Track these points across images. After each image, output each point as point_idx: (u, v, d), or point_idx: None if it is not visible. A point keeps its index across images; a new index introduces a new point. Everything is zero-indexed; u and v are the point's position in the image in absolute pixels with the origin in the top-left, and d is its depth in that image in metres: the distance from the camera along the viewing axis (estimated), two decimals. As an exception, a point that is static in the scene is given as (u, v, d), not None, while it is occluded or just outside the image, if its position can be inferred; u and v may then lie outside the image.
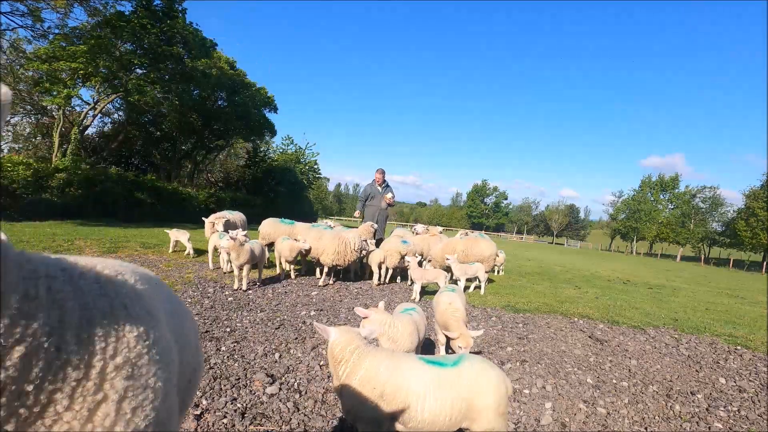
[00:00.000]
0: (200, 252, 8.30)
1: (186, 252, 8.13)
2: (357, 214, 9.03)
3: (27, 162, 12.71)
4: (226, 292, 5.66)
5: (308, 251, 6.87)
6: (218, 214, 7.96)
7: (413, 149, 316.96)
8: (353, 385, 1.97)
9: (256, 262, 6.16)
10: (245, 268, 5.84)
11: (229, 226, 7.52)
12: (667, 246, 58.21)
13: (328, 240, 6.85)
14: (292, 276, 7.25)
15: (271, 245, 7.61)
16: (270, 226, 7.73)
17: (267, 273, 7.18)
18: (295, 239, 6.94)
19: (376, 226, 7.74)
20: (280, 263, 7.11)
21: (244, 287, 5.85)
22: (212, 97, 24.32)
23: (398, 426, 2.05)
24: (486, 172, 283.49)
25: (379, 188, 8.80)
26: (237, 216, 8.36)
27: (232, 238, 5.65)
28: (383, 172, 8.84)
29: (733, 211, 50.77)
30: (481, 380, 2.07)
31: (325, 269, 6.88)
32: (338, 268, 6.99)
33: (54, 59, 13.53)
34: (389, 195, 8.78)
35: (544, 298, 7.48)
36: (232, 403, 2.73)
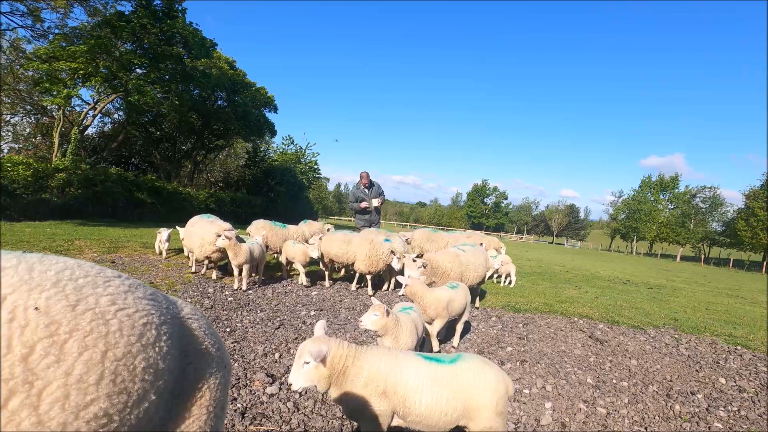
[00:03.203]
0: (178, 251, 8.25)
1: (159, 251, 7.95)
2: (364, 204, 8.59)
3: (27, 162, 12.70)
4: (226, 292, 5.65)
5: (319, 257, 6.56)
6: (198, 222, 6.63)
7: (413, 149, 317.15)
8: (358, 387, 1.98)
9: (255, 263, 6.14)
10: (245, 269, 5.82)
11: None
12: (667, 246, 58.17)
13: (358, 244, 6.34)
14: (305, 282, 6.74)
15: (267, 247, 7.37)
16: (273, 232, 7.54)
17: (267, 273, 7.16)
18: (306, 241, 6.80)
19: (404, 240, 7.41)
20: (285, 265, 7.02)
21: (244, 287, 5.85)
22: (212, 97, 24.33)
23: (398, 421, 2.06)
24: (486, 172, 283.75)
25: (366, 191, 8.76)
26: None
27: (227, 237, 5.61)
28: (367, 175, 8.73)
29: (733, 211, 50.77)
30: (478, 379, 2.08)
31: (368, 278, 6.47)
32: (370, 274, 6.47)
33: (54, 59, 13.53)
34: (375, 202, 8.58)
35: (544, 298, 7.47)
36: (232, 403, 2.73)
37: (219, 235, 5.92)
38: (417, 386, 2.01)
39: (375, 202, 8.55)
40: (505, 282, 8.73)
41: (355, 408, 2.00)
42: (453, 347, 4.30)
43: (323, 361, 1.95)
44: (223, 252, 5.96)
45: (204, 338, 1.18)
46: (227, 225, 6.19)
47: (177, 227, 7.36)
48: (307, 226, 8.83)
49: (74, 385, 0.77)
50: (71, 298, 0.84)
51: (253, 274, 6.35)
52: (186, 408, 1.09)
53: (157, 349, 0.93)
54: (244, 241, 6.00)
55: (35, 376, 0.73)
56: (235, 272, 5.93)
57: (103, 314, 0.86)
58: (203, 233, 6.10)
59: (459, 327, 4.30)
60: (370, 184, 8.76)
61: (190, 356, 1.10)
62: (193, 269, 6.84)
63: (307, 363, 1.93)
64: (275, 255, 7.98)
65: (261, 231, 7.35)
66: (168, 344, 0.98)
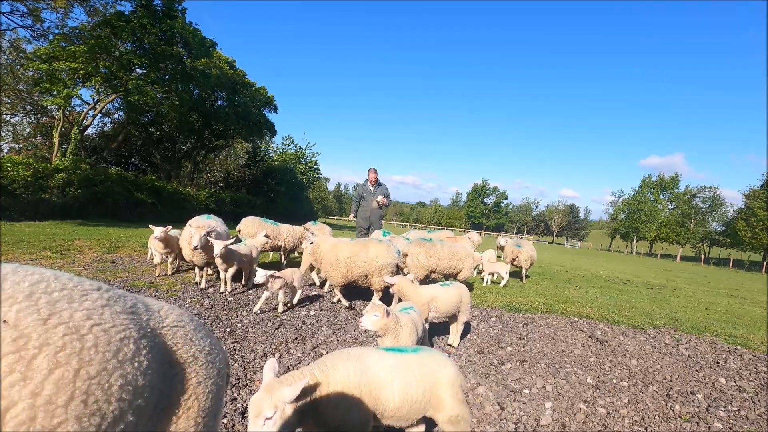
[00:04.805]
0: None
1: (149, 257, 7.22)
2: (351, 216, 8.66)
3: (27, 162, 12.70)
4: (227, 292, 5.65)
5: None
6: (200, 222, 6.18)
7: (413, 149, 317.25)
8: (333, 401, 1.92)
9: (245, 263, 5.93)
10: (230, 271, 5.63)
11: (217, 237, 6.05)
12: (667, 246, 58.17)
13: (465, 255, 5.88)
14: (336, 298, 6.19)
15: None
16: (264, 229, 7.45)
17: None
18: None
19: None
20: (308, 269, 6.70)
21: (229, 288, 5.66)
22: (212, 97, 24.33)
23: (377, 421, 2.05)
24: (486, 172, 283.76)
25: (371, 188, 8.59)
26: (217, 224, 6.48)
27: (226, 246, 5.42)
28: (376, 172, 8.54)
29: (733, 211, 50.76)
30: (440, 365, 2.18)
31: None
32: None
33: (54, 59, 13.54)
34: (379, 198, 8.36)
35: (544, 298, 7.47)
36: (232, 403, 2.72)
37: (193, 234, 5.39)
38: (387, 379, 2.04)
39: (374, 204, 8.40)
40: (491, 278, 8.76)
41: (340, 423, 1.93)
42: (453, 347, 4.29)
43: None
44: (204, 256, 5.68)
45: (191, 346, 1.13)
46: (161, 229, 5.82)
47: (150, 226, 6.21)
48: (316, 228, 8.55)
49: (42, 406, 0.72)
50: (43, 311, 0.80)
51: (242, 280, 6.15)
52: (171, 421, 1.05)
53: (135, 364, 0.89)
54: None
55: None
56: (222, 275, 5.70)
57: (78, 329, 0.82)
58: (186, 235, 5.82)
59: (459, 328, 4.29)
60: (377, 183, 8.58)
61: (176, 367, 1.07)
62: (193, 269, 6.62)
63: (269, 418, 1.65)
64: (279, 255, 7.95)
65: (255, 229, 7.19)
66: (148, 358, 0.94)
